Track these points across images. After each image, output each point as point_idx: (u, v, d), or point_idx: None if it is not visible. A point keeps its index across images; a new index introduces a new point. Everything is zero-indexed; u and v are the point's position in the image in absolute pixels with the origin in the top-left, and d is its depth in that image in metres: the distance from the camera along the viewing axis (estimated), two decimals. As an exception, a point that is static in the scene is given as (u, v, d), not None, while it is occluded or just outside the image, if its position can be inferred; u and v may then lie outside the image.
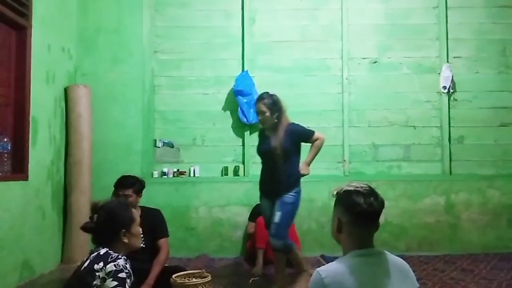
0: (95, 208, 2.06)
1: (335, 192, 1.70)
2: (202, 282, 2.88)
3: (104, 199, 2.17)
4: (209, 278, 2.96)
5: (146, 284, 2.99)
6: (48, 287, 3.62)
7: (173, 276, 2.91)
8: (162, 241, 3.24)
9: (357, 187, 1.64)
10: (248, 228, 4.54)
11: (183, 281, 2.89)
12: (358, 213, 1.58)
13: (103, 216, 2.03)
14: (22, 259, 3.55)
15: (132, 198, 3.11)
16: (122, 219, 2.03)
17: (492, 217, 4.84)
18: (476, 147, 5.00)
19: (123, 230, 2.01)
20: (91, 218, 2.05)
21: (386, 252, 1.63)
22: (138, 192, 3.19)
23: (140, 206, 3.22)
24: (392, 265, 1.59)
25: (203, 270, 3.13)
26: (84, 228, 2.08)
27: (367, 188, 1.63)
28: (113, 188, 3.22)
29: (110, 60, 4.80)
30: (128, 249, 2.03)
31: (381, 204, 1.62)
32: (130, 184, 3.17)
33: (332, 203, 1.72)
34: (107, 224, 2.03)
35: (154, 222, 3.25)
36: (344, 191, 1.65)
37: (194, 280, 2.93)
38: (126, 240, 2.01)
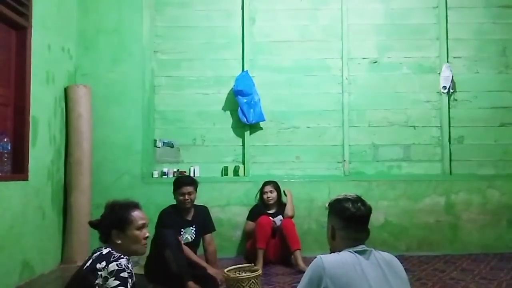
0: (106, 205, 2.08)
1: (327, 205, 1.89)
2: (254, 276, 3.04)
3: (113, 199, 2.15)
4: (259, 272, 3.15)
5: (219, 271, 3.30)
6: (48, 287, 3.63)
7: (225, 270, 3.10)
8: (212, 236, 3.65)
9: (346, 195, 1.85)
10: (246, 227, 4.54)
11: (236, 275, 3.04)
12: (348, 216, 1.77)
13: (103, 214, 2.04)
14: (22, 259, 3.55)
15: (194, 195, 3.49)
16: (115, 218, 2.02)
17: (492, 217, 4.84)
18: (476, 147, 5.00)
19: (115, 230, 1.99)
20: (102, 215, 2.09)
21: (376, 250, 1.79)
22: (196, 189, 3.51)
23: None
24: (381, 258, 1.75)
25: (253, 264, 3.40)
26: (90, 223, 2.11)
27: (354, 196, 1.83)
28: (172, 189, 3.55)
29: (110, 60, 4.80)
30: (125, 252, 1.98)
31: (369, 209, 1.81)
32: (192, 181, 3.52)
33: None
34: (101, 222, 2.05)
35: (206, 217, 3.63)
36: (335, 200, 1.86)
37: (244, 274, 3.10)
38: (119, 241, 1.99)
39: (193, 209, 3.55)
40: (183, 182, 3.50)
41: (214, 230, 3.69)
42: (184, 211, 3.50)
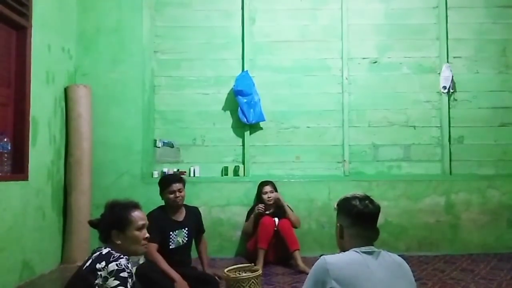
0: (106, 205, 2.08)
1: (335, 205, 1.88)
2: (254, 276, 3.03)
3: (113, 198, 2.14)
4: (260, 272, 3.14)
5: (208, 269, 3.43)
6: (48, 287, 3.63)
7: (225, 270, 3.07)
8: (203, 236, 3.57)
9: (354, 194, 1.84)
10: (243, 228, 4.52)
11: (236, 276, 3.05)
12: (355, 214, 1.76)
13: (103, 214, 2.04)
14: (22, 259, 3.55)
15: (184, 193, 3.33)
16: (115, 218, 2.01)
17: (492, 217, 4.84)
18: (476, 147, 5.00)
19: (114, 230, 1.99)
20: (102, 215, 2.08)
21: (385, 251, 1.76)
22: (184, 187, 3.38)
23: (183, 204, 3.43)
24: (390, 260, 1.73)
25: (253, 264, 3.38)
26: (90, 223, 2.10)
27: (362, 194, 1.83)
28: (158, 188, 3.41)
29: (110, 60, 4.80)
30: (124, 252, 1.97)
31: (377, 207, 1.80)
32: (180, 178, 3.38)
33: (332, 203, 1.86)
34: (101, 221, 2.04)
35: (198, 219, 3.51)
36: (343, 199, 1.85)
37: (244, 274, 3.10)
38: (118, 242, 1.99)
39: (184, 210, 3.39)
40: (171, 180, 3.33)
41: (204, 231, 3.58)
42: (174, 212, 3.31)
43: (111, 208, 2.06)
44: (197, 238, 3.52)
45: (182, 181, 3.34)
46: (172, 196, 3.26)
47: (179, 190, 3.28)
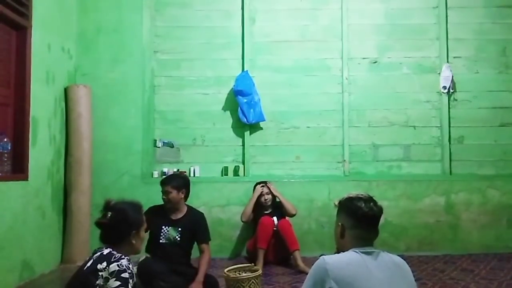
0: (108, 206, 2.05)
1: (337, 202, 1.86)
2: (254, 276, 3.04)
3: (109, 198, 2.15)
4: (260, 272, 3.15)
5: (197, 282, 3.13)
6: (48, 287, 3.63)
7: (225, 270, 3.08)
8: (204, 246, 3.39)
9: (358, 194, 1.81)
10: (244, 209, 4.45)
11: (236, 276, 3.05)
12: (360, 215, 1.74)
13: (118, 215, 2.02)
14: (22, 259, 3.56)
15: (173, 195, 3.31)
16: (135, 220, 2.06)
17: (492, 217, 4.84)
18: (476, 147, 5.00)
19: (134, 232, 2.03)
20: (104, 215, 2.04)
21: (385, 251, 1.75)
22: (179, 188, 3.33)
23: (186, 204, 3.44)
24: (390, 261, 1.72)
25: (253, 264, 3.38)
26: (98, 224, 2.06)
27: (367, 195, 1.81)
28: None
29: (110, 60, 4.80)
30: (132, 251, 2.04)
31: (380, 210, 1.78)
32: (167, 181, 3.36)
33: (332, 203, 1.83)
34: (120, 223, 2.02)
35: (197, 224, 3.42)
36: (346, 198, 1.82)
37: (244, 274, 3.11)
38: (134, 242, 2.03)
39: (186, 211, 3.41)
40: (161, 182, 3.41)
41: (208, 240, 3.41)
42: (170, 211, 3.37)
43: (133, 209, 2.08)
44: (198, 245, 3.42)
45: (169, 183, 3.33)
46: (162, 197, 3.37)
47: (166, 192, 3.33)
